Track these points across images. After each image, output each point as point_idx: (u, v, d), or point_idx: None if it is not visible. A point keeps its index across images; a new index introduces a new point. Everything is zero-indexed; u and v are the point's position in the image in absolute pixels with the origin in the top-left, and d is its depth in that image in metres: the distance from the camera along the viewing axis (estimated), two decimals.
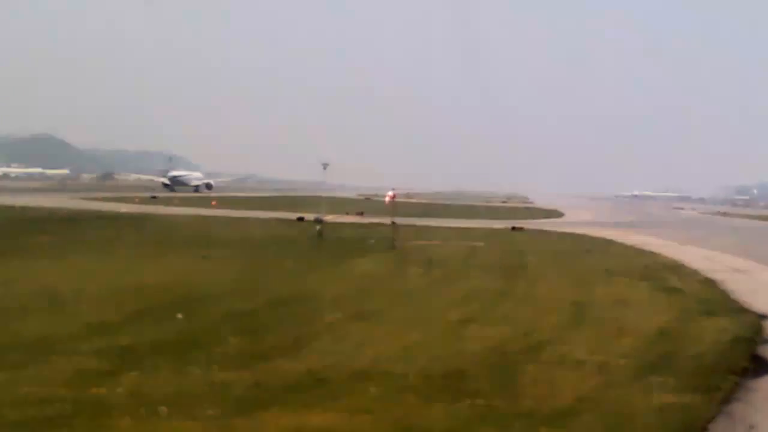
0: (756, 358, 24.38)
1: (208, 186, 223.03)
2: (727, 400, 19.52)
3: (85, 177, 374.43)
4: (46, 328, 24.92)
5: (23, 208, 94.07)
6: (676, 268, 50.32)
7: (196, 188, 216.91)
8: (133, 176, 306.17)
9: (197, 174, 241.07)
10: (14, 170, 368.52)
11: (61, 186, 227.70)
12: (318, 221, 76.79)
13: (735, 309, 33.79)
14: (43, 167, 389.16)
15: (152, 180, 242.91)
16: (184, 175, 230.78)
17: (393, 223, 65.72)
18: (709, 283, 42.44)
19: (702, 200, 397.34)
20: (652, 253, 60.67)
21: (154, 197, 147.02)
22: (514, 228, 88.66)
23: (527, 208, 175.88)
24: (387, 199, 71.29)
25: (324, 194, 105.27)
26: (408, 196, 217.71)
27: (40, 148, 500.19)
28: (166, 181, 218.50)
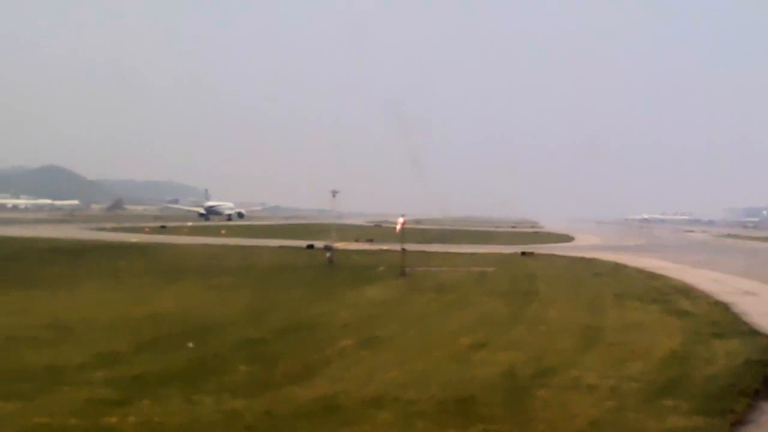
0: None
1: (240, 215, 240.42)
2: (741, 422, 19.44)
3: (95, 207, 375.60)
4: (57, 358, 24.92)
5: (34, 240, 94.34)
6: (687, 291, 50.11)
7: (229, 217, 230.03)
8: (175, 206, 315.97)
9: (230, 204, 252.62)
10: (24, 202, 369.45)
11: (70, 217, 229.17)
12: (328, 248, 76.76)
13: (746, 331, 33.62)
14: (53, 198, 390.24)
15: (189, 210, 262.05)
16: (219, 205, 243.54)
17: (402, 249, 65.65)
18: (720, 306, 42.23)
19: (711, 223, 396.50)
20: (662, 277, 60.40)
21: (163, 227, 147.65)
22: (524, 253, 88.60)
23: (537, 233, 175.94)
24: (398, 226, 71.01)
25: (333, 221, 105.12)
26: (417, 222, 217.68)
27: (49, 179, 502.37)
28: (202, 211, 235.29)
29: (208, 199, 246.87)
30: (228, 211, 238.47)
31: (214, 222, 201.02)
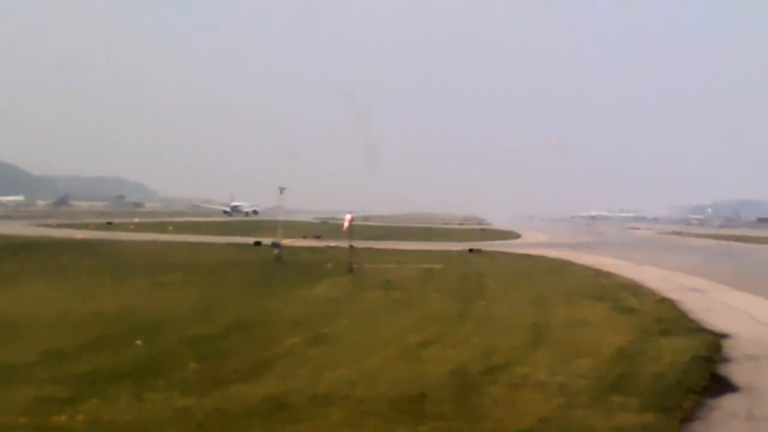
0: (715, 377, 24.56)
1: (255, 212, 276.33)
2: (688, 419, 19.62)
3: (41, 203, 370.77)
4: (3, 356, 24.65)
5: None
6: (633, 288, 50.60)
7: (246, 213, 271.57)
8: (204, 206, 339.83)
9: (247, 203, 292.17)
10: None
11: (15, 213, 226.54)
12: (275, 245, 76.56)
13: (693, 328, 34.03)
14: None
15: (215, 208, 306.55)
16: (241, 205, 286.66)
17: (350, 246, 65.75)
18: (666, 303, 42.71)
19: (657, 220, 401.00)
20: (608, 274, 60.96)
21: (109, 223, 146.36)
22: (471, 250, 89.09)
23: (484, 230, 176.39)
24: (346, 223, 71.18)
25: (281, 218, 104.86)
26: (366, 219, 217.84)
27: None
28: (227, 209, 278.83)
29: (232, 200, 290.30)
30: (246, 209, 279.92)
31: (234, 218, 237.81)
